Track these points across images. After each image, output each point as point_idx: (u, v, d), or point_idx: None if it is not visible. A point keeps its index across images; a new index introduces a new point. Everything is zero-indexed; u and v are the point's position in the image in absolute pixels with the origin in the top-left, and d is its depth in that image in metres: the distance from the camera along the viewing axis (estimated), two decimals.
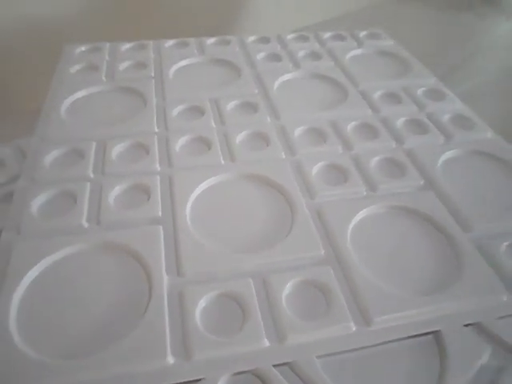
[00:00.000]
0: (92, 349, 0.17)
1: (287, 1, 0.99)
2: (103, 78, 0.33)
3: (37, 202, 0.23)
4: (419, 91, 0.34)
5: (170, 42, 0.39)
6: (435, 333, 0.19)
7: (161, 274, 0.20)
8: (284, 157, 0.27)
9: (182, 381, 0.16)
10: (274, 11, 0.95)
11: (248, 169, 0.25)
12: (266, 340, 0.17)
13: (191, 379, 0.16)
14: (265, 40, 0.41)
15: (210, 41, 0.40)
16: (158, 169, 0.25)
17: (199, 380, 0.16)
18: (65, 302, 0.19)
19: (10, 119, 0.33)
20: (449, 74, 0.45)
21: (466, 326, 0.19)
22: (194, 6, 0.81)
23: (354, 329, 0.18)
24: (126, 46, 0.38)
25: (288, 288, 0.19)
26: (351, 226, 0.23)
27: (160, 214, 0.23)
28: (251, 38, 0.41)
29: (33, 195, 0.23)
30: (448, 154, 0.28)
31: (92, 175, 0.25)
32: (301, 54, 0.38)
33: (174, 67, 0.35)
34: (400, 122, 0.30)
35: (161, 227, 0.22)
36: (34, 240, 0.21)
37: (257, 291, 0.19)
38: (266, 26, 0.93)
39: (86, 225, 0.22)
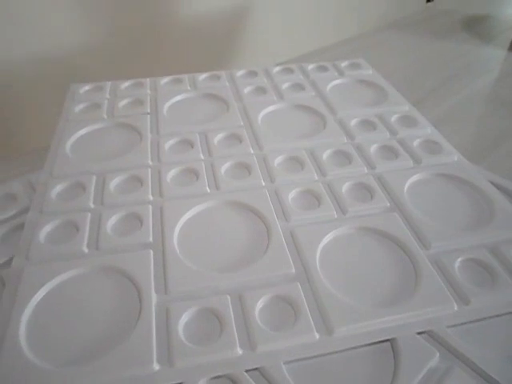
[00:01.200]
0: (90, 358, 0.20)
1: (289, 28, 1.05)
2: (104, 116, 0.37)
3: (44, 231, 0.26)
4: (393, 118, 0.37)
5: (165, 79, 0.43)
6: (391, 340, 0.21)
7: (150, 292, 0.22)
8: (264, 184, 0.30)
9: None
10: (275, 41, 1.00)
11: (231, 196, 0.29)
12: (239, 348, 0.20)
13: (174, 383, 0.19)
14: (253, 74, 0.44)
15: (202, 76, 0.43)
16: (151, 199, 0.28)
17: None
18: (68, 317, 0.22)
19: (21, 156, 0.37)
20: (427, 98, 0.47)
21: (420, 333, 0.22)
22: (192, 42, 0.86)
23: (317, 338, 0.21)
24: (126, 84, 0.42)
25: (261, 303, 0.22)
26: (321, 246, 0.25)
27: (151, 239, 0.26)
28: (240, 72, 0.44)
29: (41, 225, 0.26)
30: (415, 178, 0.31)
31: (92, 206, 0.28)
32: (285, 86, 0.42)
33: (168, 103, 0.39)
34: (373, 148, 0.33)
35: (151, 251, 0.25)
36: (42, 264, 0.24)
37: (233, 306, 0.22)
38: (263, 57, 0.98)
39: (86, 250, 0.25)
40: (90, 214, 0.27)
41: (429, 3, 1.82)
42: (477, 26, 0.63)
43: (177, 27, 0.84)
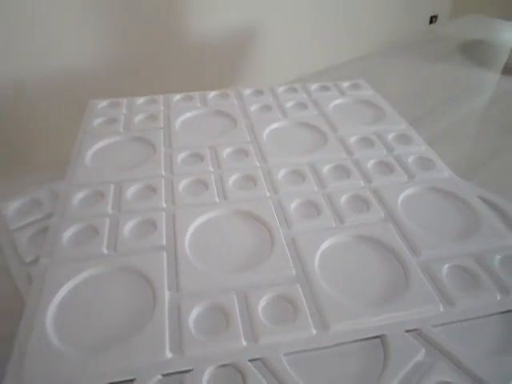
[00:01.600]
0: (109, 346, 0.22)
1: (296, 48, 1.09)
2: (121, 130, 0.40)
3: (67, 234, 0.29)
4: (390, 136, 0.40)
5: (177, 96, 0.46)
6: (381, 337, 0.24)
7: (163, 290, 0.25)
8: (268, 195, 0.32)
9: (177, 371, 0.21)
10: (282, 60, 1.05)
11: (238, 205, 0.31)
12: (243, 340, 0.22)
13: (184, 369, 0.21)
14: (259, 93, 0.47)
15: (212, 94, 0.46)
16: (164, 206, 0.31)
17: (190, 370, 0.21)
18: (89, 311, 0.24)
19: (45, 166, 0.39)
20: (425, 117, 0.50)
21: (408, 331, 0.24)
22: (202, 60, 0.90)
23: (314, 333, 0.23)
24: (140, 100, 0.45)
25: (264, 301, 0.24)
26: (319, 251, 0.28)
27: (164, 242, 0.28)
28: (248, 91, 0.47)
29: (63, 228, 0.29)
30: (408, 191, 0.33)
31: (111, 211, 0.31)
32: (289, 104, 0.44)
33: (180, 119, 0.42)
34: (370, 164, 0.36)
35: (164, 253, 0.27)
36: (65, 264, 0.26)
37: (239, 303, 0.24)
38: (271, 75, 1.02)
39: (105, 251, 0.27)
40: (108, 219, 0.30)
41: (431, 25, 1.86)
42: (473, 51, 0.66)
43: (186, 46, 0.88)
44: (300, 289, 0.25)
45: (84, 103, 0.45)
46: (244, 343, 0.22)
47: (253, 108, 0.44)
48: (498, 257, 0.28)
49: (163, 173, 0.34)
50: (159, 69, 0.84)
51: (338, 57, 0.71)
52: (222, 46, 0.94)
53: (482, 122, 0.49)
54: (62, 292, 0.25)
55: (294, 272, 0.26)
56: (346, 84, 0.49)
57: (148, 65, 0.81)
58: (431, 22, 1.88)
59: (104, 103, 0.45)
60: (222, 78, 0.96)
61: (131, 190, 0.32)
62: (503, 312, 0.25)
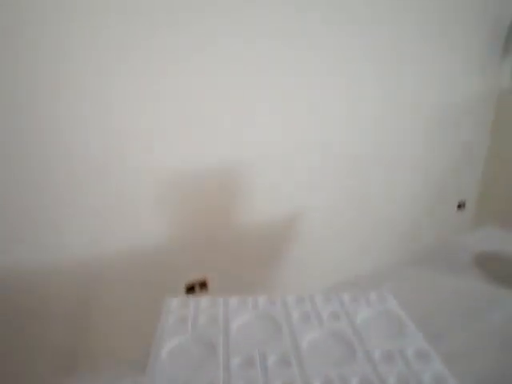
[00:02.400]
0: None
1: (331, 257, 1.25)
2: (189, 329, 0.50)
3: None
4: (409, 352, 0.47)
5: (233, 300, 0.57)
6: None
7: None
8: None
9: None
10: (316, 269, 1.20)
11: None
12: None
13: None
14: (300, 300, 0.58)
15: (262, 300, 0.57)
16: None
17: None
18: None
19: (126, 353, 0.49)
20: (442, 331, 0.57)
21: None
22: (252, 250, 1.07)
23: None
24: (205, 301, 0.56)
25: None
26: None
27: None
28: (291, 298, 0.58)
29: None
30: None
31: None
32: (325, 313, 0.54)
33: (236, 322, 0.52)
34: (392, 379, 0.43)
35: None
36: None
37: None
38: (309, 280, 1.16)
39: None
40: None
41: (459, 210, 2.00)
42: (488, 264, 0.76)
43: (234, 235, 1.05)
44: None
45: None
46: None
47: (294, 315, 0.54)
48: None
49: (221, 373, 0.43)
50: (215, 251, 0.99)
51: (373, 262, 0.83)
52: (264, 242, 1.10)
53: (498, 338, 0.56)
54: None
55: None
56: (373, 296, 0.59)
57: (202, 247, 0.97)
58: (459, 207, 2.04)
59: (175, 302, 0.56)
60: (265, 271, 1.10)
61: None
62: None
